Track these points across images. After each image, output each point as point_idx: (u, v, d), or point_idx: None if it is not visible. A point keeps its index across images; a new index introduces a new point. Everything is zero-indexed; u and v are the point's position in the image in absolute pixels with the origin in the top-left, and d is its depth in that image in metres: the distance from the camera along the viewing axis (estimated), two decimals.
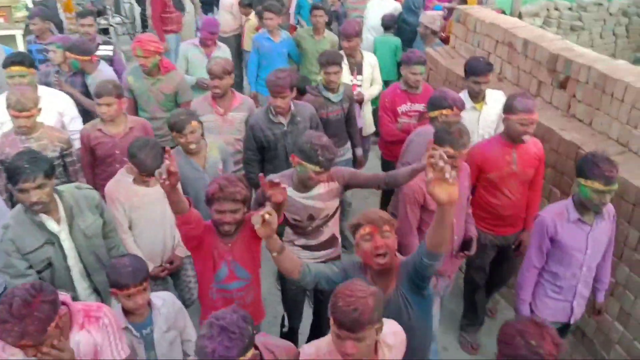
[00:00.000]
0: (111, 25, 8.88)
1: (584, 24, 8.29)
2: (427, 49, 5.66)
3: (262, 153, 3.99)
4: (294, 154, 3.05)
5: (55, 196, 2.85)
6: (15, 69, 4.02)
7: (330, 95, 4.36)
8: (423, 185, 3.04)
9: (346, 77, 4.90)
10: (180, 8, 7.48)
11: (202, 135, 3.63)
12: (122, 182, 3.37)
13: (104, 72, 4.84)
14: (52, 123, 3.96)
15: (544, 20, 8.25)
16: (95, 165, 3.95)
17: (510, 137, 3.47)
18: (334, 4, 7.49)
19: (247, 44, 7.00)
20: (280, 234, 3.07)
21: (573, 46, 4.47)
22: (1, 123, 3.95)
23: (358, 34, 5.01)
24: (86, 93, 4.82)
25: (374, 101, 5.46)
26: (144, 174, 3.24)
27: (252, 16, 7.05)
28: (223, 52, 5.48)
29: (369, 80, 5.20)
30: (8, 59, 4.10)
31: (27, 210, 2.77)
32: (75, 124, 4.29)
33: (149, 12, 7.83)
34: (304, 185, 3.13)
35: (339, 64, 4.31)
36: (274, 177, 3.21)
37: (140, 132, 3.90)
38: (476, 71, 3.98)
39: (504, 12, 6.49)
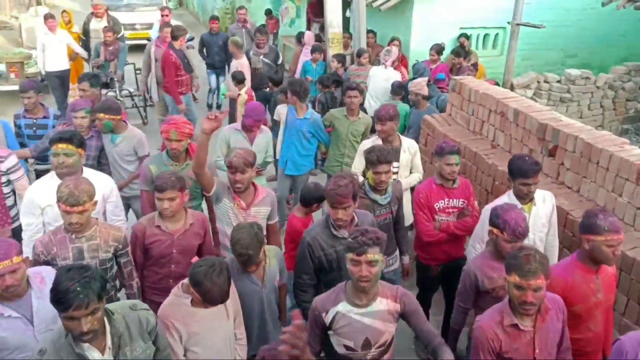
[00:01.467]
0: (119, 99, 8.40)
1: (573, 96, 8.71)
2: (425, 115, 5.97)
3: (319, 275, 3.42)
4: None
5: (105, 319, 2.42)
6: (62, 146, 3.61)
7: (378, 197, 3.90)
8: (499, 331, 2.66)
9: None
10: (189, 70, 7.89)
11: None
12: (178, 305, 2.87)
13: (134, 131, 4.75)
14: (95, 210, 3.46)
15: (535, 92, 8.67)
16: (144, 266, 3.53)
17: (593, 261, 3.00)
18: (337, 70, 7.90)
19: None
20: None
21: (560, 116, 4.78)
22: (48, 205, 3.59)
23: (393, 117, 4.63)
24: (100, 157, 4.76)
25: None
26: (208, 304, 2.78)
27: (243, 92, 7.30)
28: (266, 136, 5.27)
29: (406, 168, 4.78)
30: (56, 135, 3.72)
31: (67, 335, 2.34)
32: (118, 211, 3.98)
33: (158, 75, 7.98)
34: (362, 292, 2.68)
35: (390, 163, 3.89)
36: (321, 297, 2.82)
37: (200, 228, 3.56)
38: (524, 173, 3.53)
39: (497, 84, 6.89)
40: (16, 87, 9.18)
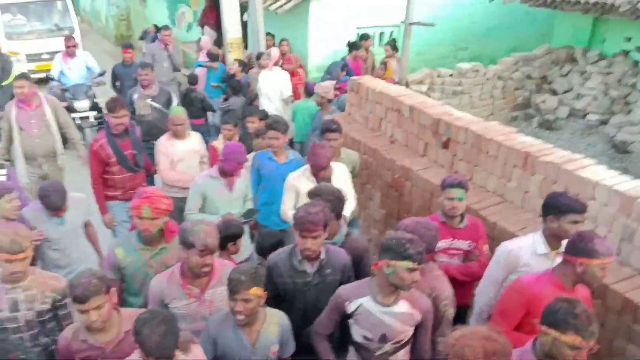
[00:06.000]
0: None
1: (464, 88, 9.17)
2: (325, 115, 6.04)
3: (277, 302, 3.20)
4: (378, 260, 2.66)
5: None
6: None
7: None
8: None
9: None
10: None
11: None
12: None
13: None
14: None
15: (429, 86, 9.03)
16: None
17: (573, 281, 2.79)
18: (237, 74, 7.81)
19: None
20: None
21: (452, 110, 5.00)
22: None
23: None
24: None
25: None
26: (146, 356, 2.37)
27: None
28: (245, 178, 4.52)
29: None
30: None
31: None
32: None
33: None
34: (390, 291, 2.73)
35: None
36: (348, 287, 2.89)
37: None
38: (575, 209, 3.02)
39: (395, 82, 7.13)
40: None
